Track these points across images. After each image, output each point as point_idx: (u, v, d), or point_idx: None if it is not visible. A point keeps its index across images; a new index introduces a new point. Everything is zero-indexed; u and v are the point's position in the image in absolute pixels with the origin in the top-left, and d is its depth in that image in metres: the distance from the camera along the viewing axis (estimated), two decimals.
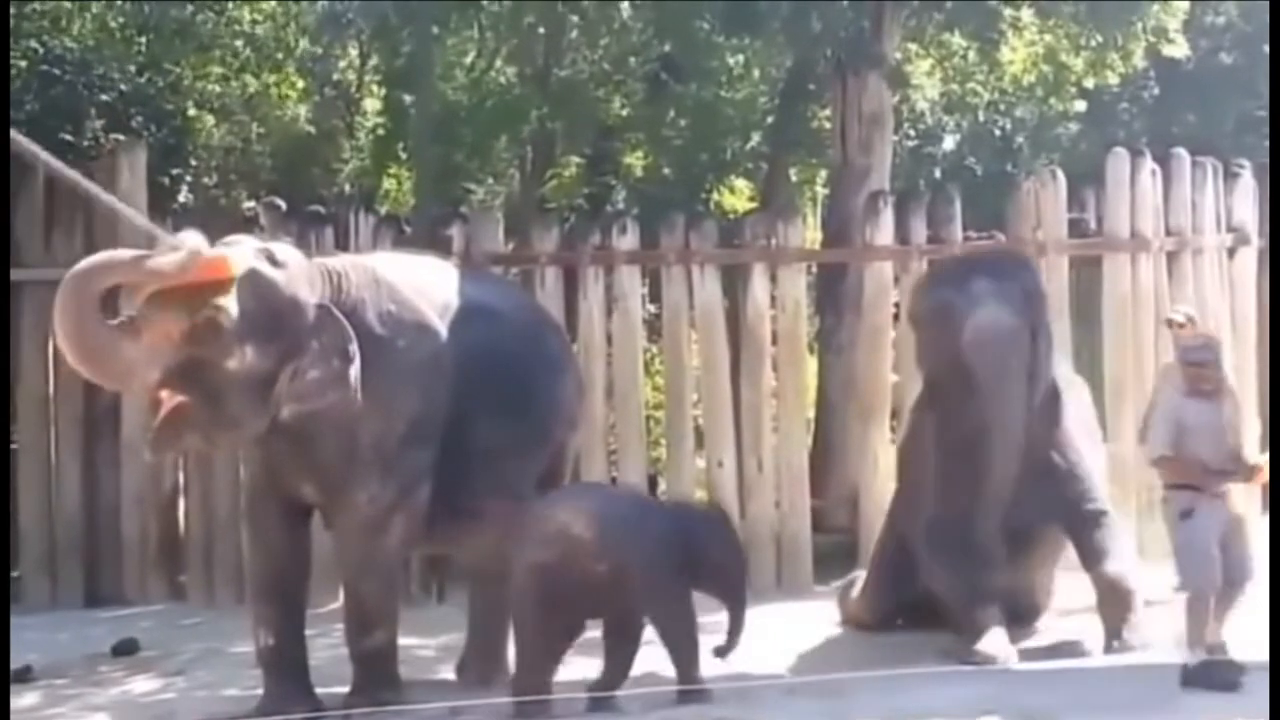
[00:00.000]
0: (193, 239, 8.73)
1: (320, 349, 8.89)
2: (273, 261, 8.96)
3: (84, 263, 8.60)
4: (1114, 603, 10.33)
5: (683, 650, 9.30)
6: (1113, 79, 16.90)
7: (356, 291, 9.22)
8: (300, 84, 18.94)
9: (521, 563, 9.18)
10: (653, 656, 10.35)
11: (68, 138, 15.44)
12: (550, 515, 9.33)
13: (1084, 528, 10.55)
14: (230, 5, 17.92)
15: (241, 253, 8.94)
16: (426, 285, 9.61)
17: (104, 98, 16.10)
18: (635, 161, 18.54)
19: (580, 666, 9.87)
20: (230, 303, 8.64)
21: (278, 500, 9.40)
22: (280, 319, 8.84)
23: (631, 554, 9.13)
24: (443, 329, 9.44)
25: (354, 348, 8.90)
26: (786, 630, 10.48)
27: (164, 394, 8.70)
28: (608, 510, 9.37)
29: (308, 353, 8.88)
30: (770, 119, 18.25)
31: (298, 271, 9.04)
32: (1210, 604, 9.17)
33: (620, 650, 9.44)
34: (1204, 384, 9.30)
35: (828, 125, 15.70)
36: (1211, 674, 8.95)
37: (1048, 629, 10.99)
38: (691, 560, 9.27)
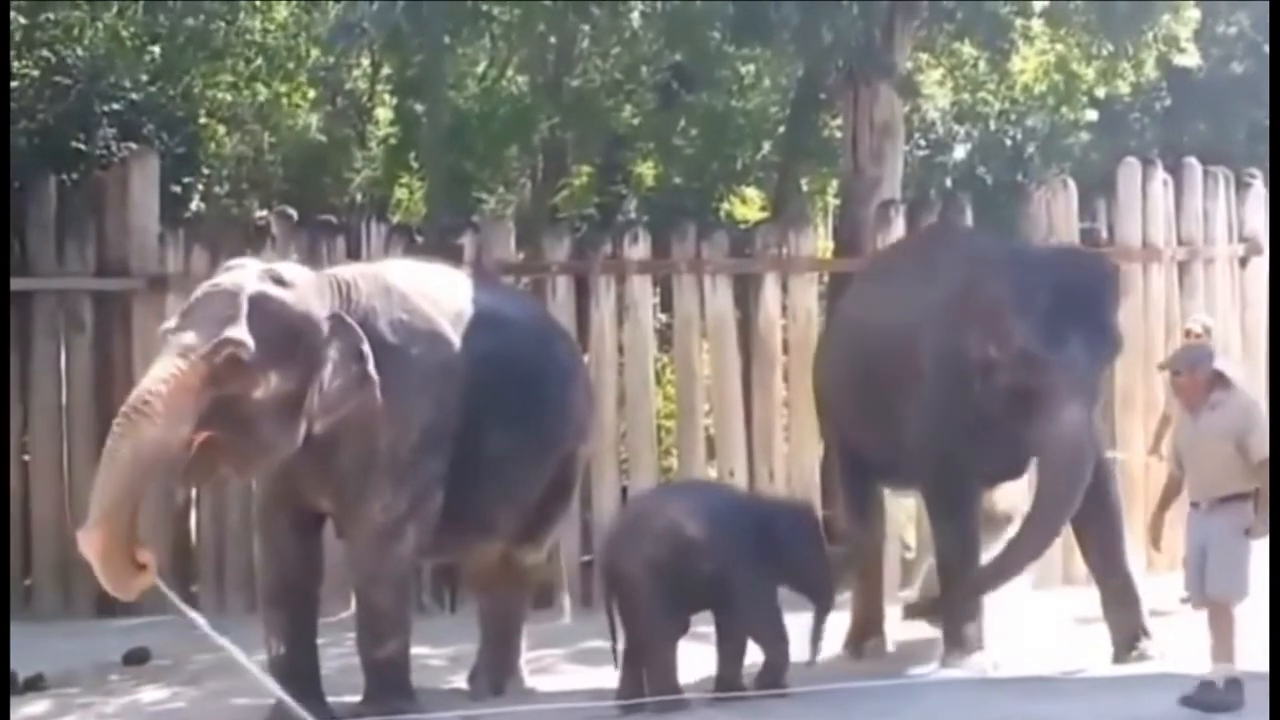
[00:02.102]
0: None
1: (338, 357, 8.89)
2: (279, 281, 8.93)
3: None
4: (1126, 611, 10.31)
5: (774, 651, 9.52)
6: (1124, 88, 16.90)
7: (367, 301, 9.22)
8: (312, 93, 18.93)
9: (634, 559, 9.38)
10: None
11: (79, 146, 15.46)
12: (659, 512, 9.61)
13: (1098, 534, 10.54)
14: (242, 14, 17.93)
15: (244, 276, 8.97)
16: (437, 294, 9.61)
17: (116, 107, 16.12)
18: (646, 171, 18.55)
19: (604, 675, 9.92)
20: (245, 334, 8.62)
21: (290, 509, 9.40)
22: (296, 338, 8.81)
23: (733, 553, 9.36)
24: (454, 337, 9.44)
25: (367, 348, 8.90)
26: (796, 639, 10.43)
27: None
28: (711, 509, 9.59)
29: (328, 364, 8.88)
30: (781, 128, 18.25)
31: (306, 287, 9.03)
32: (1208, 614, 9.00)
33: (729, 646, 9.59)
34: (1177, 394, 9.24)
35: (839, 134, 15.71)
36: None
37: (1063, 638, 11.01)
38: (777, 556, 9.49)
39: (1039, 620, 11.46)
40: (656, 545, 9.37)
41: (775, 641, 9.53)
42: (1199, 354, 9.26)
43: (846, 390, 11.02)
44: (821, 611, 9.71)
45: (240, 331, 8.60)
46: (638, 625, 9.42)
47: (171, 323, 8.87)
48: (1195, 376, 9.05)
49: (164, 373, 8.52)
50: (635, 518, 10.00)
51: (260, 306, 8.73)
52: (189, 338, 8.61)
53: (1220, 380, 9.04)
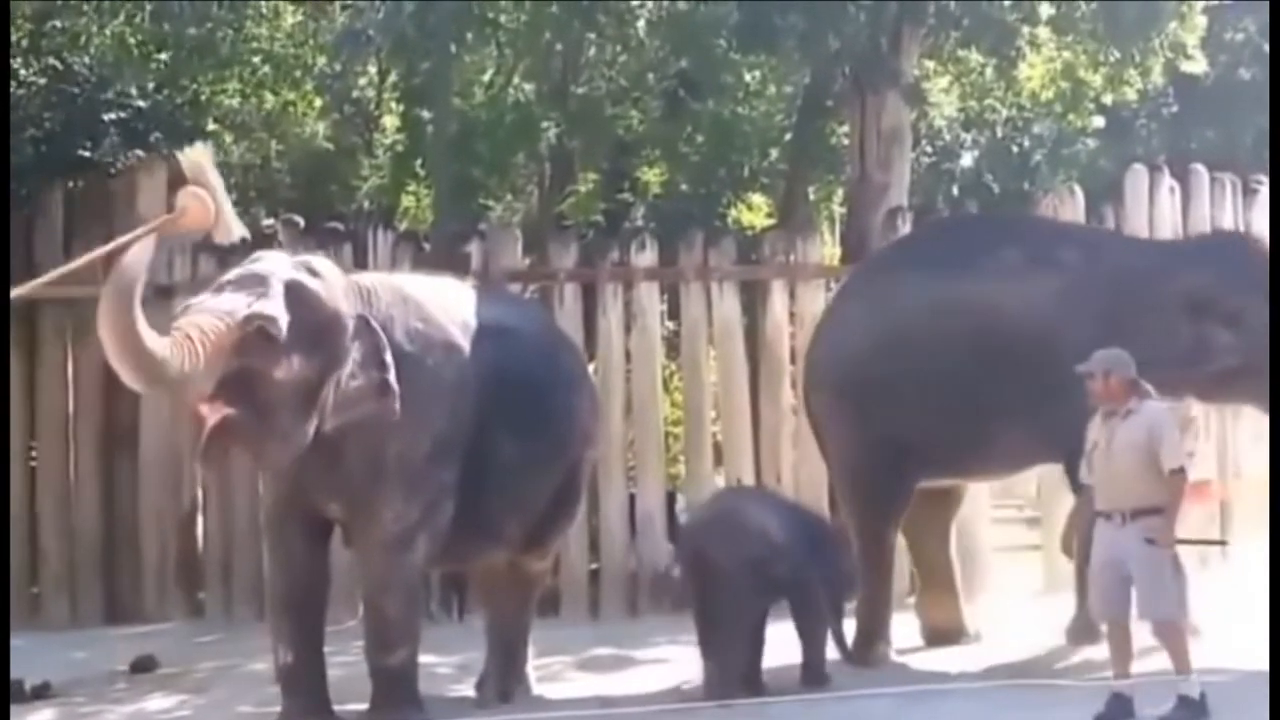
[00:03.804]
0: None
1: (360, 359, 8.91)
2: (312, 272, 8.97)
3: (115, 277, 8.50)
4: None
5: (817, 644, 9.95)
6: (1131, 95, 16.87)
7: (386, 308, 9.24)
8: (319, 101, 18.94)
9: (730, 556, 9.67)
10: (666, 673, 10.39)
11: (86, 154, 15.46)
12: (746, 514, 9.98)
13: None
14: (249, 23, 17.93)
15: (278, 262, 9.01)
16: (450, 304, 9.63)
17: (122, 115, 16.12)
18: (653, 178, 18.53)
19: (611, 682, 9.92)
20: (278, 312, 8.64)
21: (300, 517, 9.39)
22: (323, 330, 8.84)
23: (799, 556, 9.79)
24: (468, 348, 9.45)
25: (389, 357, 8.93)
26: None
27: (204, 408, 8.64)
28: (783, 513, 10.07)
29: (349, 363, 8.89)
30: (788, 135, 18.24)
31: (336, 284, 9.06)
32: (1115, 634, 8.91)
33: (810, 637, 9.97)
34: (1093, 398, 9.03)
35: (845, 141, 15.70)
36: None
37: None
38: (820, 561, 9.95)
39: (1047, 625, 11.44)
40: (750, 544, 9.70)
41: (820, 643, 9.90)
42: (1115, 359, 8.98)
43: (909, 382, 10.77)
44: (838, 617, 10.04)
45: (273, 308, 8.63)
46: (728, 619, 9.71)
47: (202, 297, 8.84)
48: (1110, 381, 8.90)
49: (204, 324, 8.48)
50: (722, 517, 10.23)
51: (293, 291, 8.78)
52: (226, 303, 8.60)
53: (1136, 388, 8.91)
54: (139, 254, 8.46)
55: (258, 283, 8.77)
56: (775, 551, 9.74)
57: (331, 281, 9.05)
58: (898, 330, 10.92)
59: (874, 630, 11.07)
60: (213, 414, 8.54)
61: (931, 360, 10.70)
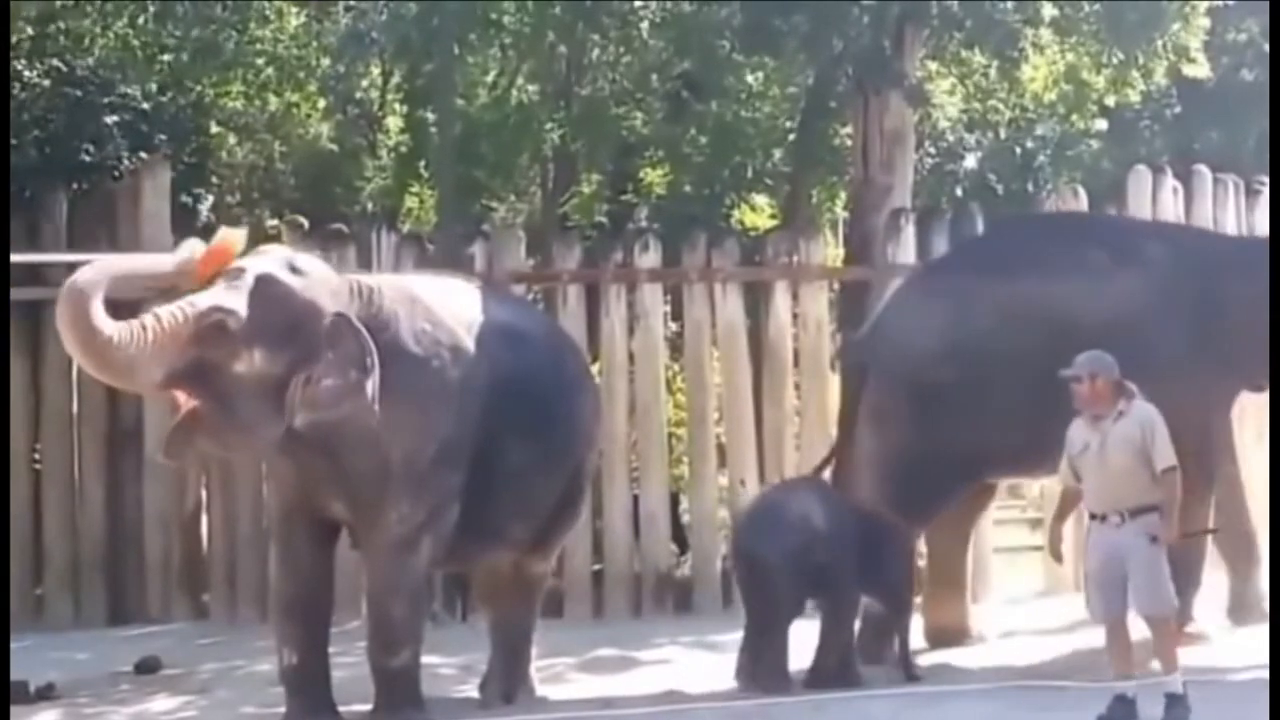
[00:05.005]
0: (192, 244, 8.83)
1: (335, 358, 8.82)
2: (293, 269, 8.94)
3: (87, 268, 8.52)
4: None
5: (831, 644, 9.99)
6: (1134, 96, 16.87)
7: (390, 307, 9.20)
8: (322, 103, 18.94)
9: (771, 548, 9.82)
10: (669, 674, 10.40)
11: (89, 157, 15.48)
12: (789, 506, 10.10)
13: None
14: (252, 24, 17.94)
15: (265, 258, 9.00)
16: (458, 306, 9.62)
17: (126, 117, 16.13)
18: (656, 179, 18.53)
19: (614, 683, 9.92)
20: (239, 306, 8.65)
21: (306, 518, 9.38)
22: (294, 326, 8.80)
23: (841, 549, 9.92)
24: (475, 351, 9.44)
25: (372, 360, 8.84)
26: (808, 647, 10.45)
27: (181, 399, 8.69)
28: (830, 506, 10.13)
29: (320, 361, 8.84)
30: (791, 137, 18.24)
31: (318, 281, 9.02)
32: (1116, 636, 8.88)
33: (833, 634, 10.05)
34: (1078, 402, 8.98)
35: (849, 143, 15.70)
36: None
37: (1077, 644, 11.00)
38: (868, 559, 10.09)
39: (1052, 625, 11.45)
40: (790, 535, 9.82)
41: (834, 647, 9.93)
42: (1100, 361, 8.95)
43: (984, 387, 10.66)
44: (896, 617, 10.19)
45: (234, 301, 8.63)
46: (766, 609, 9.85)
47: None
48: (1096, 384, 8.88)
49: (163, 313, 8.54)
50: (765, 511, 10.36)
51: (264, 286, 8.75)
52: (196, 298, 8.65)
53: (1123, 389, 8.89)
54: (129, 260, 8.58)
55: (233, 277, 8.78)
56: (816, 539, 9.83)
57: (312, 279, 9.00)
58: (976, 332, 10.82)
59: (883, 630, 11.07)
60: (185, 405, 8.66)
61: (1010, 364, 10.59)
